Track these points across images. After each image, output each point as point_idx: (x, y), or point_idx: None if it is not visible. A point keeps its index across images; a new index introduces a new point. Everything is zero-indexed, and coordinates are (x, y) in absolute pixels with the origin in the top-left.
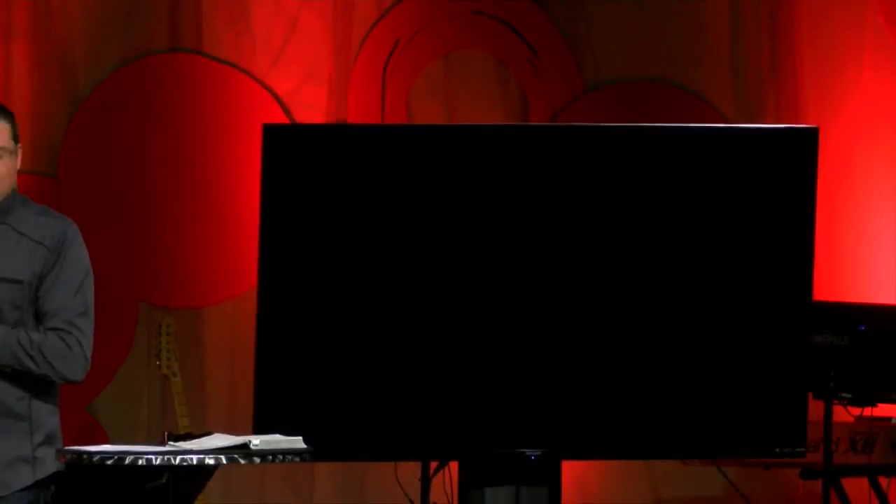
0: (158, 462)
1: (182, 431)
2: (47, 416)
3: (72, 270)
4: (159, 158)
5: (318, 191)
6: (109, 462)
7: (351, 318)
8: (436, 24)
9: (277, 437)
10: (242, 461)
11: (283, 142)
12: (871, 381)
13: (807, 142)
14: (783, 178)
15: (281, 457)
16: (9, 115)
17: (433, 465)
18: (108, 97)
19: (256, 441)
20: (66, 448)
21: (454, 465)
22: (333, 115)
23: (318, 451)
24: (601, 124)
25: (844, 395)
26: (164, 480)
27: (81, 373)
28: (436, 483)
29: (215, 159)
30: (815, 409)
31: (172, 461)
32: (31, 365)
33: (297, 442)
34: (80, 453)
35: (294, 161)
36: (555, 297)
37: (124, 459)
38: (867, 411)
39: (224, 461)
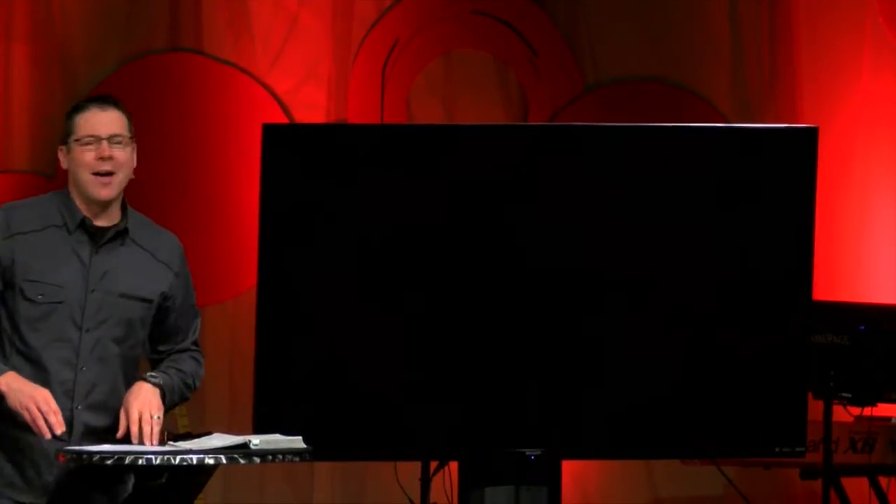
0: (158, 462)
1: (182, 431)
2: None
3: (193, 291)
4: (159, 158)
5: (317, 190)
6: (109, 462)
7: (351, 318)
8: (435, 24)
9: (277, 436)
10: (242, 461)
11: (283, 141)
12: (870, 381)
13: (807, 141)
14: (783, 177)
15: (281, 457)
16: (127, 113)
17: (433, 464)
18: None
19: (256, 441)
20: (67, 448)
21: (454, 465)
22: (333, 115)
23: (317, 451)
24: (601, 124)
25: (844, 394)
26: (163, 480)
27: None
28: (436, 483)
29: (215, 159)
30: (815, 408)
31: (172, 461)
32: (188, 395)
33: (296, 442)
34: (81, 453)
35: (294, 161)
36: (554, 296)
37: (124, 459)
38: (867, 411)
39: (224, 461)
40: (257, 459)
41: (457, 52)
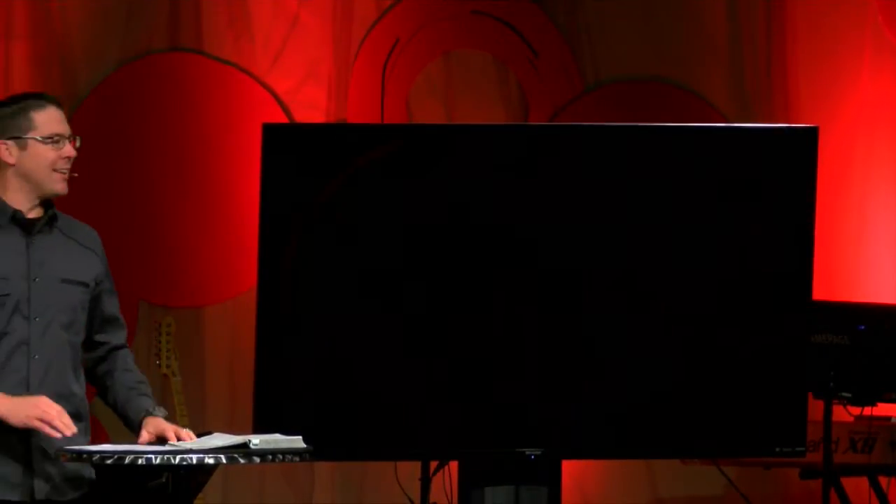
0: (158, 462)
1: None
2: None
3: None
4: (159, 158)
5: (317, 190)
6: (109, 461)
7: (351, 318)
8: (435, 24)
9: (277, 436)
10: (242, 461)
11: (283, 142)
12: (870, 381)
13: (807, 141)
14: (783, 177)
15: (281, 456)
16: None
17: (433, 464)
18: (108, 96)
19: (256, 440)
20: (67, 448)
21: (454, 465)
22: (333, 115)
23: (318, 451)
24: (601, 124)
25: (844, 394)
26: (163, 480)
27: None
28: (436, 482)
29: (215, 159)
30: (815, 408)
31: (172, 461)
32: None
33: (297, 441)
34: (81, 452)
35: (294, 161)
36: (554, 297)
37: (124, 459)
38: (867, 411)
39: (224, 461)
40: (257, 459)
41: (457, 52)
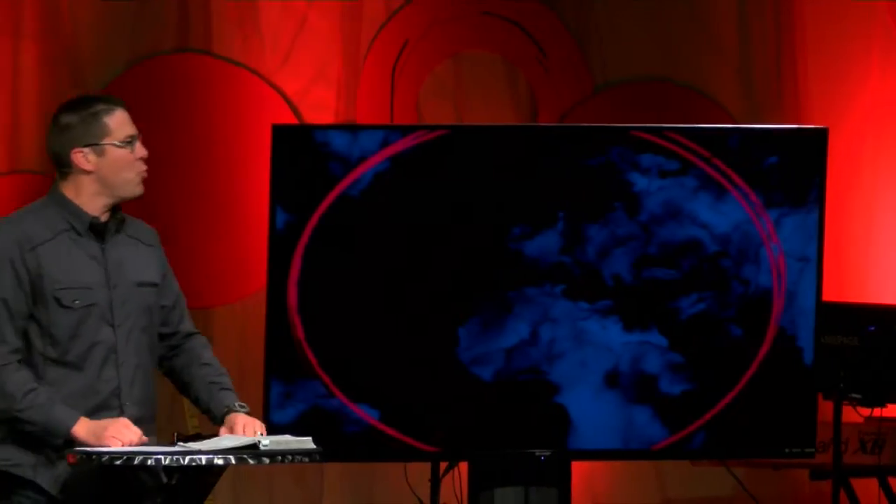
0: (167, 462)
1: (191, 432)
2: None
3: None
4: (168, 158)
5: (326, 191)
6: (118, 462)
7: (360, 319)
8: (445, 25)
9: (287, 437)
10: (252, 461)
11: (292, 142)
12: (880, 382)
13: (816, 142)
14: (792, 178)
15: (290, 457)
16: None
17: (443, 465)
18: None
19: (266, 441)
20: (76, 448)
21: (464, 466)
22: (342, 116)
23: (327, 452)
24: (606, 125)
25: (854, 395)
26: (173, 481)
27: None
28: (445, 484)
29: (224, 160)
30: (825, 409)
31: (181, 461)
32: None
33: (306, 442)
34: (90, 453)
35: (303, 161)
36: (562, 298)
37: (133, 459)
38: (877, 412)
39: (233, 461)
40: (267, 460)
41: (466, 53)
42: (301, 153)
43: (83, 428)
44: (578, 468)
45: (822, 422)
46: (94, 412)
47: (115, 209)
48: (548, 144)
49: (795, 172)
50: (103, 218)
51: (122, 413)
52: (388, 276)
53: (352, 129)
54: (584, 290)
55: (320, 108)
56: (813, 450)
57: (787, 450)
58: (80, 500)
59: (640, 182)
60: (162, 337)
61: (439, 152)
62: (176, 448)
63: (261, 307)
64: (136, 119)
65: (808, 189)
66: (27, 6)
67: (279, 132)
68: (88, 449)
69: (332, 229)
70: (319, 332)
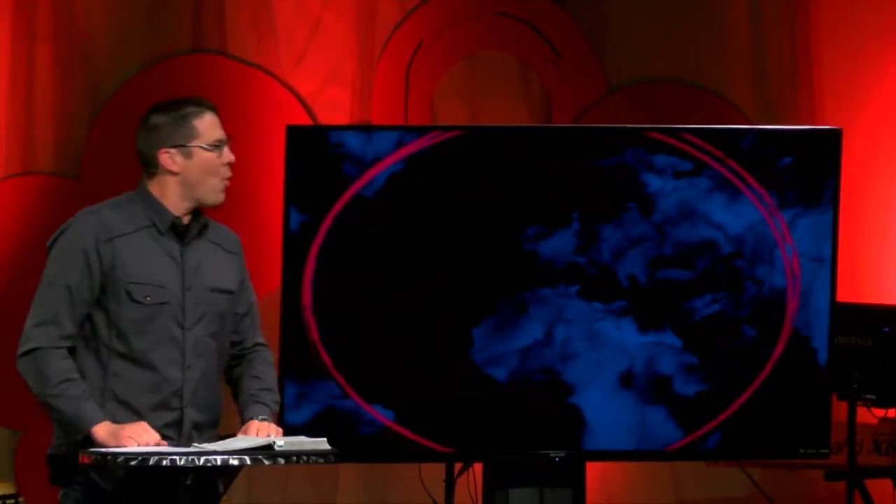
0: (182, 463)
1: None
2: None
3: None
4: None
5: (341, 192)
6: (133, 463)
7: (374, 319)
8: (459, 26)
9: (302, 438)
10: (266, 462)
11: (307, 143)
12: (895, 383)
13: (830, 143)
14: (806, 179)
15: (305, 458)
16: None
17: (457, 466)
18: (131, 98)
19: (281, 442)
20: (91, 450)
21: (478, 467)
22: (357, 117)
23: (342, 453)
24: (620, 126)
25: (868, 396)
26: (188, 482)
27: None
28: (460, 484)
29: (238, 160)
30: (839, 410)
31: (196, 462)
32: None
33: (321, 443)
34: (105, 454)
35: (317, 162)
36: (576, 299)
37: (148, 460)
38: (891, 412)
39: (248, 462)
40: (282, 461)
41: (480, 54)
42: (315, 154)
43: (103, 429)
44: (593, 469)
45: (836, 422)
46: (155, 410)
47: (198, 213)
48: (562, 145)
49: (809, 173)
50: (185, 220)
51: (182, 415)
52: (402, 277)
53: (366, 129)
54: (598, 290)
55: (334, 109)
56: (827, 450)
57: (801, 450)
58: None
59: (654, 183)
60: (230, 344)
61: (454, 153)
62: (191, 449)
63: (275, 308)
64: None
65: (823, 189)
66: (41, 8)
67: (293, 133)
68: (103, 450)
69: (347, 230)
70: (334, 333)
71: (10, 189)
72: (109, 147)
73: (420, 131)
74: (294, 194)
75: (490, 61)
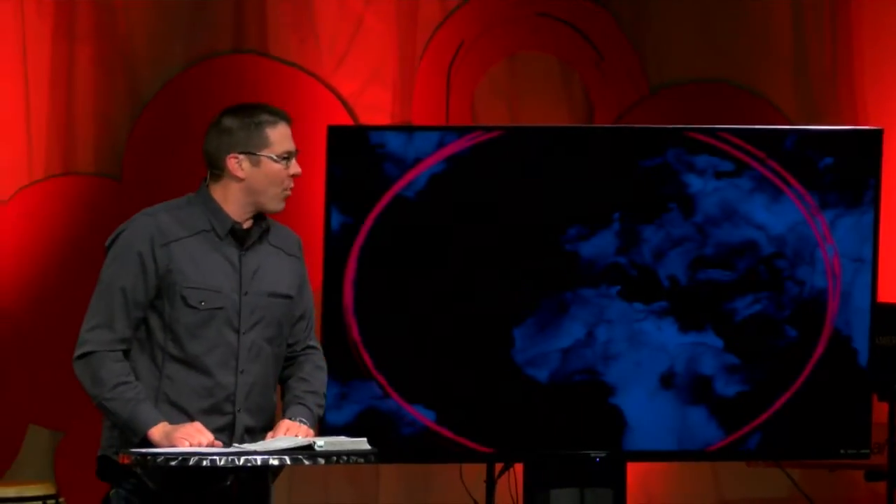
0: (223, 463)
1: None
2: None
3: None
4: None
5: (382, 192)
6: (174, 463)
7: (415, 320)
8: (500, 26)
9: (342, 438)
10: (307, 462)
11: (348, 143)
12: None
13: (871, 143)
14: (847, 179)
15: (346, 458)
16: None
17: (498, 466)
18: (172, 99)
19: (321, 442)
20: (131, 450)
21: (519, 467)
22: (398, 117)
23: (382, 453)
24: (661, 126)
25: None
26: (228, 483)
27: None
28: (501, 485)
29: None
30: (880, 410)
31: (237, 462)
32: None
33: (361, 443)
34: (145, 455)
35: (359, 162)
36: (615, 300)
37: (188, 461)
38: None
39: (288, 462)
40: (322, 460)
41: (521, 54)
42: (356, 154)
43: (159, 431)
44: (633, 469)
45: (876, 423)
46: (207, 414)
47: (260, 216)
48: (603, 145)
49: (850, 173)
50: (246, 225)
51: (234, 420)
52: (443, 277)
53: (407, 129)
54: (639, 291)
55: (376, 109)
56: (868, 451)
57: (842, 451)
58: (169, 489)
59: (695, 183)
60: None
61: (495, 153)
62: (232, 449)
63: (317, 308)
64: (191, 120)
65: (863, 190)
66: (82, 8)
67: (335, 133)
68: (143, 450)
69: (388, 230)
70: (375, 333)
71: (51, 189)
72: (150, 148)
73: (461, 132)
74: (335, 195)
75: (531, 62)
